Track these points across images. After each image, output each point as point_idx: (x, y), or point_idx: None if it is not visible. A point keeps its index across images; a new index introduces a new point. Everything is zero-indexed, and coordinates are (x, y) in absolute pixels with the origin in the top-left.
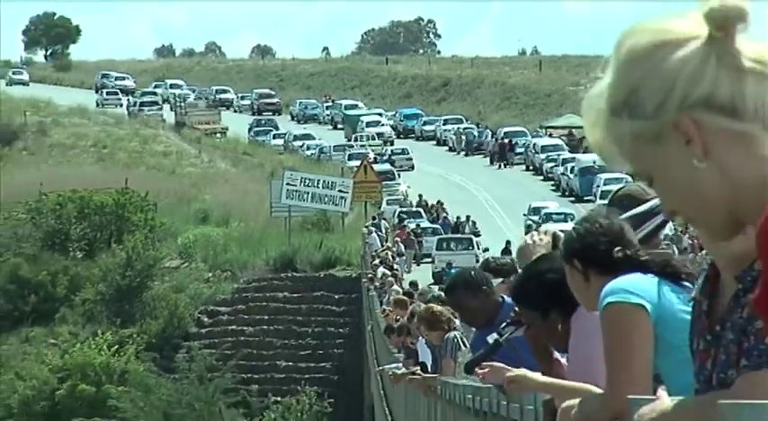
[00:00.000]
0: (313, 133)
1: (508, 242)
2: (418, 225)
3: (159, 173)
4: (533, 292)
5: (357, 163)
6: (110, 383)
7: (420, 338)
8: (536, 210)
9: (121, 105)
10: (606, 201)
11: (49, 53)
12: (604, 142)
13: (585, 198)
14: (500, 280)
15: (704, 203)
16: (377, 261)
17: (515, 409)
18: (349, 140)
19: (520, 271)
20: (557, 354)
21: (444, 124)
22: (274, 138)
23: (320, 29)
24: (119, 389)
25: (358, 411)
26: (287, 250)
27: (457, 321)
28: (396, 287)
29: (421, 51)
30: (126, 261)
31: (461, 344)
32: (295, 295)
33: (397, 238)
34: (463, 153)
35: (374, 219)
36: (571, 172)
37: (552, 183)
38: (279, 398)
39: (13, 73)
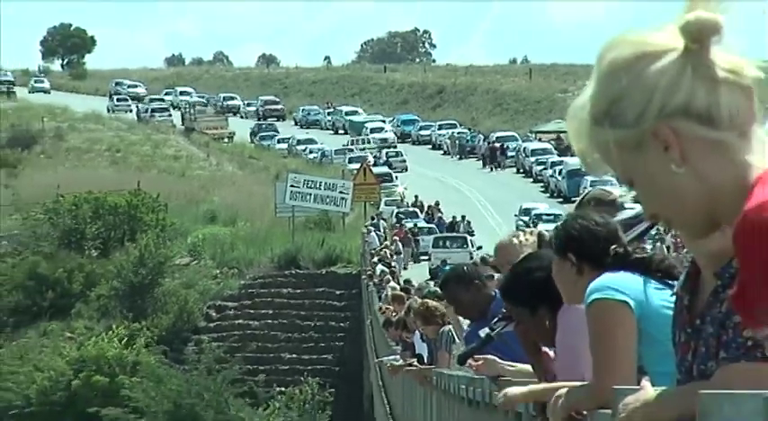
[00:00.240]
0: (315, 138)
1: None
2: (415, 225)
3: (170, 175)
4: (522, 290)
5: (357, 166)
6: (123, 374)
7: (416, 332)
8: (526, 211)
9: (131, 111)
10: (575, 205)
11: (65, 62)
12: (588, 150)
13: (573, 199)
14: (498, 274)
15: (682, 206)
16: (376, 259)
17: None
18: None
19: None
20: (545, 348)
21: (439, 129)
22: (279, 142)
23: (322, 39)
24: (131, 380)
25: (358, 400)
26: (290, 248)
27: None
28: (393, 284)
29: (417, 60)
30: (138, 259)
31: (455, 337)
32: (298, 291)
33: (396, 237)
34: (457, 156)
35: (373, 219)
36: (559, 174)
37: (541, 184)
38: (283, 389)
39: (35, 81)
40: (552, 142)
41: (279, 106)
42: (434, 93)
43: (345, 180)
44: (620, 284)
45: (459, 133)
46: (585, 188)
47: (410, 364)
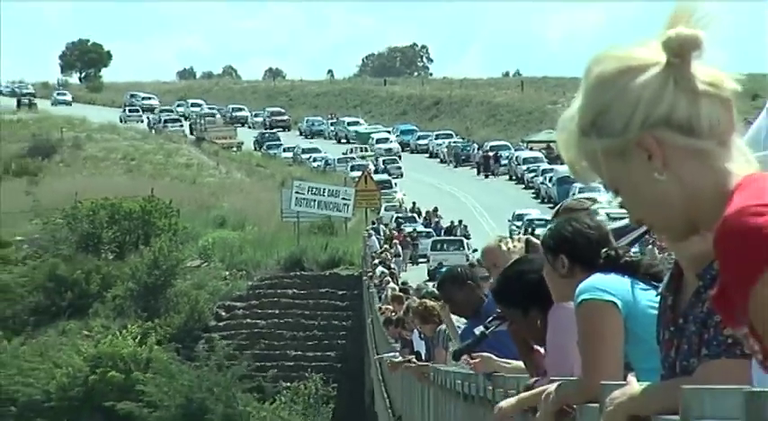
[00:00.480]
0: (319, 147)
1: None
2: (414, 229)
3: (182, 183)
4: (514, 292)
5: (359, 173)
6: (137, 370)
7: (414, 330)
8: (519, 217)
9: (142, 121)
10: (552, 214)
11: (83, 76)
12: (576, 159)
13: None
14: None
15: (665, 211)
16: (376, 261)
17: (500, 394)
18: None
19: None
20: (536, 346)
21: (436, 139)
22: (284, 151)
23: (325, 54)
24: (145, 376)
25: (359, 395)
26: (296, 251)
27: None
28: (393, 285)
29: (415, 74)
30: (152, 261)
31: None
32: (303, 292)
33: (395, 240)
34: (453, 165)
35: (374, 223)
36: (549, 181)
37: (533, 191)
38: (288, 384)
39: (58, 94)
40: (543, 151)
41: (284, 117)
42: (431, 104)
43: (347, 187)
44: (609, 285)
45: (454, 142)
46: (574, 194)
47: (409, 361)
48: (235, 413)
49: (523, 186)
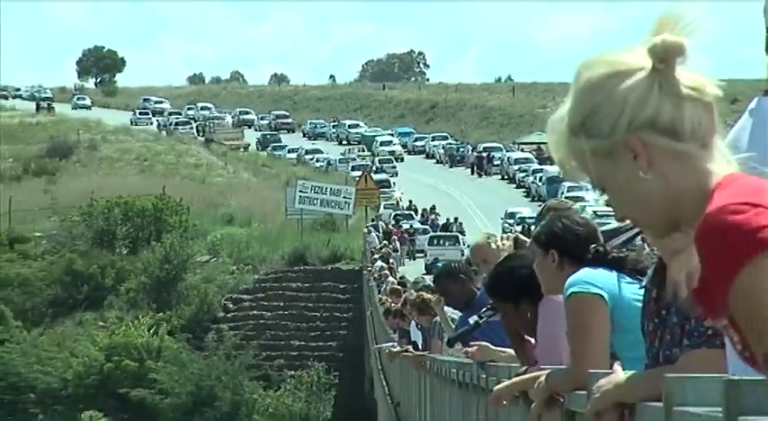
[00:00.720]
0: (322, 148)
1: None
2: (411, 226)
3: (191, 182)
4: (506, 286)
5: (359, 173)
6: (149, 359)
7: (412, 321)
8: (511, 215)
9: (151, 123)
10: (537, 214)
11: (98, 81)
12: (566, 158)
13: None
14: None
15: (649, 209)
16: (376, 256)
17: (493, 382)
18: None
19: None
20: (527, 337)
21: (432, 140)
22: (289, 152)
23: (327, 60)
24: (157, 365)
25: (359, 383)
26: (299, 247)
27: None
28: (391, 278)
29: (413, 79)
30: (164, 256)
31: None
32: (306, 285)
33: (394, 237)
34: (448, 165)
35: (373, 220)
36: (540, 181)
37: (524, 190)
38: (293, 372)
39: (78, 99)
40: (533, 152)
41: (289, 120)
42: (428, 108)
43: (348, 186)
44: (596, 279)
45: (450, 144)
46: (563, 193)
47: (406, 351)
48: (242, 400)
49: (515, 186)
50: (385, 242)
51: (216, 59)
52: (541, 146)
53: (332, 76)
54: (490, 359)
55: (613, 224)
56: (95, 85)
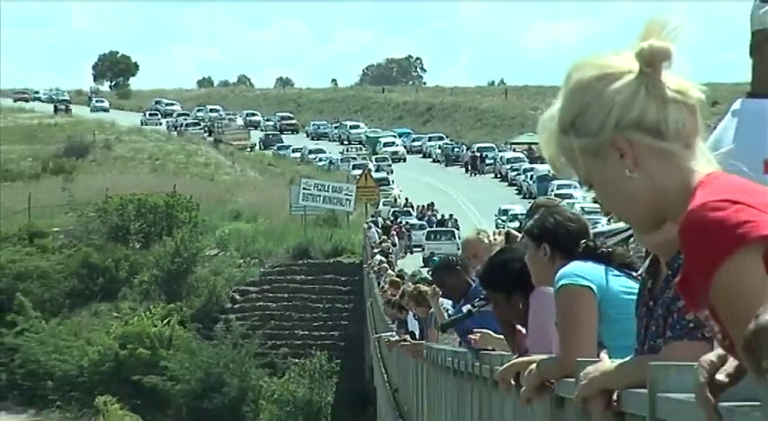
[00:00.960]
0: (324, 148)
1: None
2: (406, 221)
3: (201, 180)
4: (499, 278)
5: (359, 172)
6: (161, 348)
7: (409, 312)
8: (504, 212)
9: (160, 124)
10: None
11: (113, 84)
12: (556, 155)
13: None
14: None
15: (634, 205)
16: (375, 250)
17: (486, 369)
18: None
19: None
20: (519, 327)
21: (429, 141)
22: (293, 151)
23: (330, 64)
24: (168, 353)
25: (360, 370)
26: (303, 241)
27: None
28: (390, 271)
29: (410, 82)
30: (174, 250)
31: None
32: (309, 278)
33: (392, 232)
34: (444, 164)
35: (373, 216)
36: (531, 179)
37: (515, 188)
38: (296, 360)
39: (96, 101)
40: (525, 152)
41: (293, 121)
42: (425, 110)
43: (349, 184)
44: (585, 272)
45: (445, 144)
46: (553, 190)
47: (404, 340)
48: (248, 386)
49: (507, 184)
50: (384, 237)
51: (224, 64)
52: (532, 146)
53: (334, 80)
54: (492, 346)
55: (612, 225)
56: (110, 88)
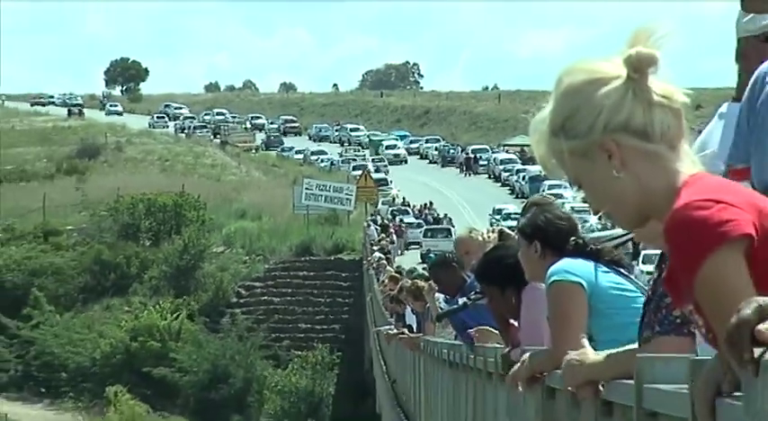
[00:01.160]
0: (326, 150)
1: None
2: (402, 219)
3: (208, 180)
4: (494, 273)
5: (359, 172)
6: (170, 340)
7: (407, 306)
8: (498, 211)
9: (167, 126)
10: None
11: (124, 88)
12: (546, 156)
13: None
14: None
15: (621, 204)
16: (374, 247)
17: (480, 361)
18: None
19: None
20: (512, 320)
21: (426, 143)
22: (296, 153)
23: (331, 70)
24: (177, 345)
25: (360, 362)
26: (305, 239)
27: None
28: (389, 267)
29: (408, 87)
30: (183, 247)
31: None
32: (312, 273)
33: (391, 230)
34: (440, 165)
35: (372, 215)
36: (523, 179)
37: (508, 188)
38: (299, 352)
39: (110, 105)
40: (517, 153)
41: (296, 124)
42: (422, 113)
43: (350, 184)
44: (575, 268)
45: (441, 146)
46: (544, 190)
47: (402, 333)
48: (253, 377)
49: (500, 184)
50: (383, 235)
51: (230, 69)
52: (524, 148)
53: (335, 85)
54: (491, 341)
55: (610, 232)
56: (121, 92)
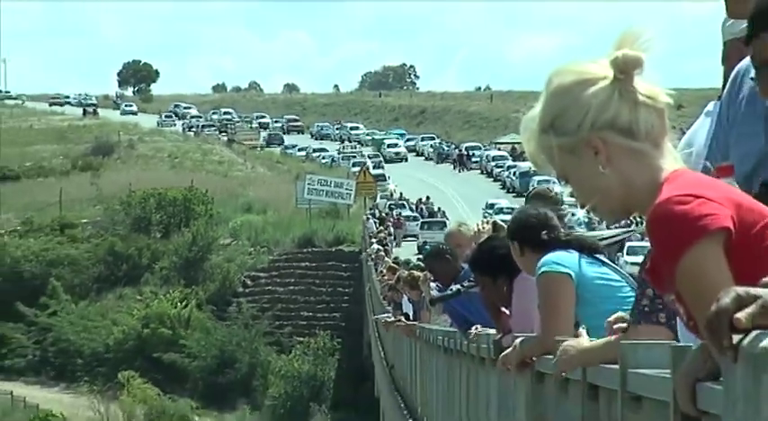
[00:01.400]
0: (327, 147)
1: None
2: (400, 213)
3: (215, 176)
4: (487, 262)
5: (359, 169)
6: (180, 328)
7: (404, 295)
8: (491, 206)
9: (174, 125)
10: (525, 199)
11: (136, 89)
12: (536, 153)
13: (524, 194)
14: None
15: (606, 198)
16: (373, 239)
17: (473, 347)
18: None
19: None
20: (503, 308)
21: (422, 140)
22: (299, 150)
23: (332, 71)
24: (186, 332)
25: (359, 348)
26: (308, 232)
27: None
28: (387, 259)
29: (405, 88)
30: (192, 239)
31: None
32: (314, 264)
33: (389, 223)
34: (435, 162)
35: (371, 209)
36: (513, 175)
37: (500, 183)
38: (301, 339)
39: (126, 105)
40: (508, 151)
41: (299, 123)
42: (418, 113)
43: (350, 179)
44: (564, 260)
45: (436, 144)
46: (534, 186)
47: (399, 321)
48: (258, 362)
49: (492, 179)
50: (381, 228)
51: (236, 71)
52: (515, 145)
53: (336, 86)
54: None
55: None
56: (133, 93)
